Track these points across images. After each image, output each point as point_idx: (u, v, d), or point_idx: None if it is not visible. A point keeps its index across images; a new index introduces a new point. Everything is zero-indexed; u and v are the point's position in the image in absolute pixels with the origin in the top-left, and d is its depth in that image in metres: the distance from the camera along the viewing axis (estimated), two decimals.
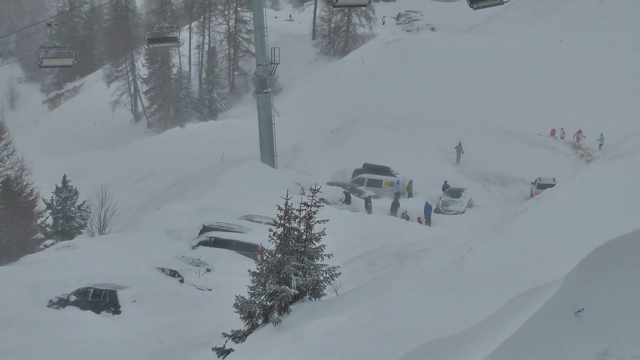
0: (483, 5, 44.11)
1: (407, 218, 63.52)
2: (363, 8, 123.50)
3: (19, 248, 56.29)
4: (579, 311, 16.27)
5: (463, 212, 65.84)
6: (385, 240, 52.73)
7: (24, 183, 60.87)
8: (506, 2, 42.09)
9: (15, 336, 38.36)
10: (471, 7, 42.72)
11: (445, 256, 25.55)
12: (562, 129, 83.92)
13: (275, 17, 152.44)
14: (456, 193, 67.75)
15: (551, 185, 63.55)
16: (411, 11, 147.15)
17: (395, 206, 65.12)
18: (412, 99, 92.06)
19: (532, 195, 68.03)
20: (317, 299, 28.59)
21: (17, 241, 57.40)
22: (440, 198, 67.89)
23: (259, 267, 29.04)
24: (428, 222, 63.11)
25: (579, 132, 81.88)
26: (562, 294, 16.89)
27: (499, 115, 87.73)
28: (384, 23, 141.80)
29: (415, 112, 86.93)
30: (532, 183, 70.29)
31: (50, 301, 43.14)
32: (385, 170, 71.13)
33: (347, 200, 64.81)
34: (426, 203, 64.81)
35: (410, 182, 70.13)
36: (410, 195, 69.49)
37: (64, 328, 39.91)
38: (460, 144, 75.15)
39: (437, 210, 65.78)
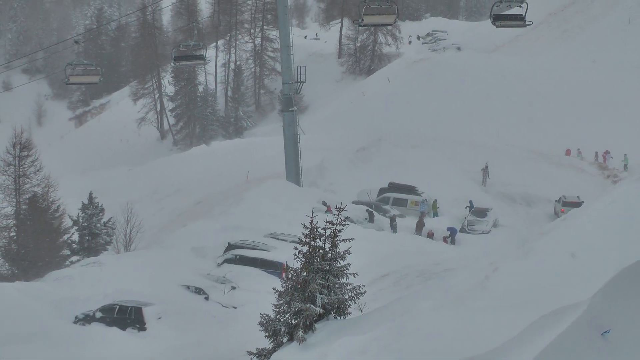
0: (507, 24, 44.33)
1: (432, 236, 63.40)
2: (389, 27, 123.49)
3: (45, 264, 56.51)
4: (606, 332, 16.23)
5: (488, 232, 65.61)
6: (410, 259, 52.71)
7: (51, 199, 61.15)
8: (529, 24, 42.28)
9: (41, 351, 38.50)
10: (494, 24, 42.98)
11: (470, 276, 25.52)
12: (578, 149, 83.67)
13: (305, 37, 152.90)
14: (481, 213, 67.54)
15: (576, 203, 63.82)
16: (437, 30, 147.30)
17: (420, 225, 65.02)
18: (437, 118, 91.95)
19: (556, 213, 68.02)
20: (342, 317, 28.58)
21: (43, 257, 57.64)
22: (465, 218, 67.71)
23: (284, 285, 29.09)
24: (453, 241, 62.95)
25: (606, 152, 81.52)
26: (588, 314, 16.85)
27: (525, 135, 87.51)
28: (410, 42, 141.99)
29: (440, 132, 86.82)
30: (556, 201, 70.04)
31: (76, 317, 43.31)
32: (411, 190, 71.03)
33: (371, 219, 64.79)
34: (450, 227, 64.67)
35: (435, 201, 70.02)
36: (435, 214, 69.37)
37: (89, 344, 40.02)
38: (486, 167, 74.87)
39: (462, 230, 65.59)
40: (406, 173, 73.20)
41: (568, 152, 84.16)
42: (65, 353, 38.94)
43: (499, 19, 43.24)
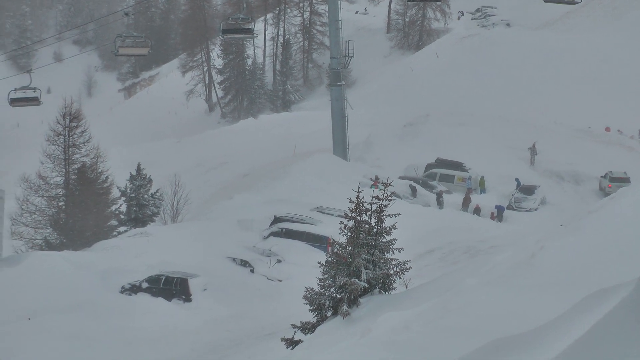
0: (556, 1, 43.77)
1: (479, 210, 63.19)
2: (438, 3, 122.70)
3: (92, 234, 56.98)
4: None
5: (536, 210, 65.32)
6: (456, 235, 52.57)
7: (99, 170, 61.49)
8: (578, 2, 41.82)
9: (87, 321, 38.93)
10: (544, 0, 42.53)
11: (516, 253, 25.38)
12: (618, 129, 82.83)
13: (356, 12, 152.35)
14: (529, 190, 67.21)
15: (624, 179, 63.69)
16: (487, 6, 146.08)
17: (467, 202, 64.88)
18: (485, 95, 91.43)
19: (602, 189, 67.66)
20: (386, 292, 28.58)
21: (91, 227, 58.10)
22: (513, 195, 67.42)
23: (329, 259, 29.13)
24: (500, 218, 62.74)
25: None
26: (635, 295, 16.72)
27: (573, 113, 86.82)
28: (459, 18, 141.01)
29: (488, 109, 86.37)
30: (602, 177, 69.59)
31: (122, 287, 43.72)
32: (458, 166, 70.84)
33: (414, 194, 64.68)
34: (497, 205, 64.48)
35: (483, 178, 69.78)
36: (482, 191, 69.15)
37: (134, 314, 40.41)
38: (534, 146, 74.33)
39: (509, 207, 65.35)
40: (453, 149, 73.00)
41: (608, 130, 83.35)
42: (112, 322, 39.35)
43: None
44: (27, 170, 61.59)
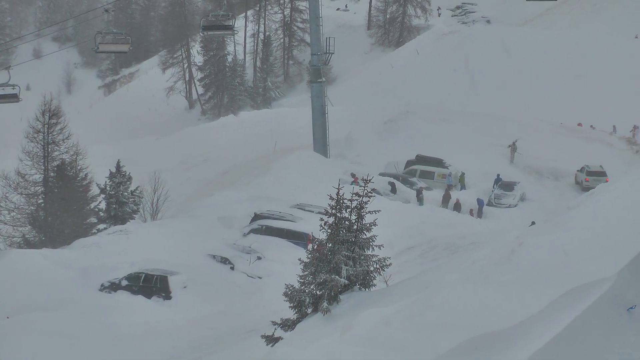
0: None
1: (459, 205, 63.29)
2: None
3: (72, 232, 56.75)
4: (631, 308, 16.15)
5: (515, 206, 65.50)
6: (436, 232, 52.71)
7: (79, 167, 61.29)
8: None
9: (67, 319, 38.75)
10: None
11: (496, 249, 25.43)
12: (591, 125, 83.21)
13: (337, 9, 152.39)
14: (509, 186, 67.40)
15: (600, 172, 64.36)
16: (467, 3, 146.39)
17: (447, 198, 64.98)
18: (466, 91, 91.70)
19: (578, 183, 68.22)
20: (367, 289, 28.59)
21: (71, 225, 57.87)
22: (492, 191, 67.58)
23: (309, 256, 29.11)
24: (479, 215, 62.89)
25: (635, 127, 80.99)
26: (613, 290, 16.77)
27: (554, 109, 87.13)
28: (439, 15, 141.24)
29: (469, 105, 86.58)
30: (578, 171, 70.04)
31: (102, 285, 43.53)
32: (438, 162, 70.92)
33: (393, 190, 64.71)
34: (478, 199, 64.68)
35: (463, 174, 69.88)
36: (462, 187, 69.25)
37: (114, 312, 40.26)
38: (514, 143, 74.35)
39: (489, 204, 65.51)
40: (434, 146, 73.09)
41: (580, 125, 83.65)
42: (91, 320, 39.20)
43: None
44: (6, 167, 61.35)
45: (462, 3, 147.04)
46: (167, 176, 68.06)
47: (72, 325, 38.33)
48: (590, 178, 67.17)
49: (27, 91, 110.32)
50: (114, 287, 43.36)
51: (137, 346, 36.82)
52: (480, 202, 63.80)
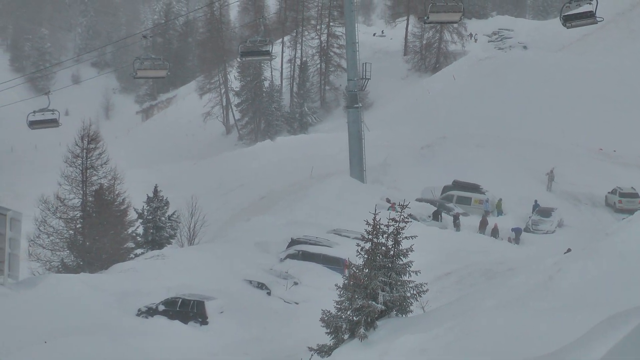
0: (577, 24, 43.90)
1: (497, 230, 63.04)
2: (455, 25, 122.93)
3: (109, 256, 56.98)
4: None
5: (553, 232, 65.13)
6: (473, 258, 52.50)
7: (117, 192, 61.53)
8: (600, 21, 41.85)
9: (104, 343, 38.81)
10: (564, 25, 42.62)
11: (533, 276, 25.32)
12: (614, 150, 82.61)
13: (374, 35, 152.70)
14: (546, 212, 67.05)
15: (633, 194, 64.28)
16: (504, 29, 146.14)
17: (484, 224, 64.75)
18: (502, 117, 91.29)
19: (610, 204, 68.02)
20: (403, 315, 28.53)
21: (108, 249, 58.10)
22: (530, 217, 67.25)
23: (346, 281, 29.10)
24: (517, 241, 62.58)
25: None
26: None
27: (591, 135, 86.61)
28: (475, 40, 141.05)
29: (505, 131, 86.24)
30: (609, 192, 69.71)
31: (138, 310, 43.65)
32: (475, 188, 70.71)
33: (437, 217, 64.67)
34: (514, 228, 64.32)
35: (500, 200, 69.60)
36: (499, 213, 68.97)
37: (151, 337, 40.26)
38: (551, 171, 73.96)
39: (526, 230, 65.17)
40: (470, 171, 72.86)
41: (600, 151, 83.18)
42: (128, 345, 39.24)
43: (569, 20, 42.84)
44: (45, 192, 61.74)
45: (499, 29, 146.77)
46: (204, 201, 68.28)
47: (109, 350, 38.39)
48: (623, 200, 67.19)
49: (66, 116, 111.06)
50: (150, 312, 43.45)
51: None
52: (517, 230, 63.49)
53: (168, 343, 39.82)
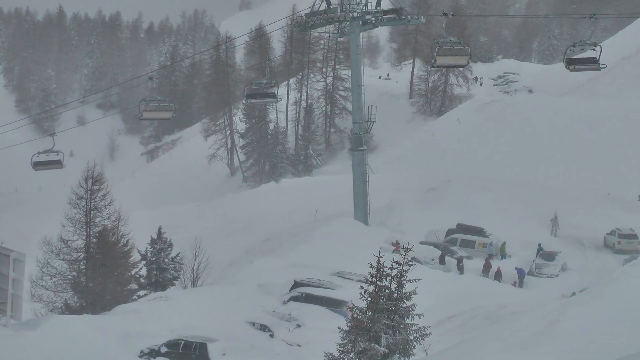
0: (580, 68, 44.25)
1: (500, 274, 62.85)
2: (461, 69, 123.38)
3: (112, 298, 56.80)
4: None
5: (557, 276, 64.90)
6: (477, 301, 52.34)
7: (120, 233, 61.42)
8: (603, 68, 42.09)
9: None
10: (567, 68, 42.95)
11: (537, 319, 25.22)
12: (607, 192, 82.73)
13: (379, 77, 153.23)
14: (550, 256, 66.88)
15: (632, 235, 64.41)
16: (509, 72, 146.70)
17: (487, 267, 64.60)
18: (507, 160, 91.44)
19: (607, 246, 68.15)
20: (406, 358, 28.42)
21: (112, 291, 57.88)
22: (533, 261, 67.06)
23: (349, 324, 29.02)
24: (520, 284, 62.39)
25: None
26: None
27: (596, 179, 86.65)
28: (481, 84, 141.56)
29: (511, 174, 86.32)
30: (608, 234, 69.61)
31: (141, 352, 43.52)
32: (479, 231, 70.62)
33: (442, 261, 64.58)
34: (518, 268, 64.11)
35: (504, 243, 69.44)
36: (503, 257, 68.79)
37: None
38: (555, 217, 73.71)
39: (530, 273, 64.96)
40: (475, 215, 72.78)
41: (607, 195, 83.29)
42: None
43: (572, 63, 43.18)
44: (49, 233, 61.73)
45: (504, 72, 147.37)
46: (207, 242, 68.09)
47: None
48: (622, 241, 67.46)
49: (71, 157, 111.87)
50: (153, 353, 43.32)
51: None
52: (521, 272, 63.32)
53: None
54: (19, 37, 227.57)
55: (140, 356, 43.45)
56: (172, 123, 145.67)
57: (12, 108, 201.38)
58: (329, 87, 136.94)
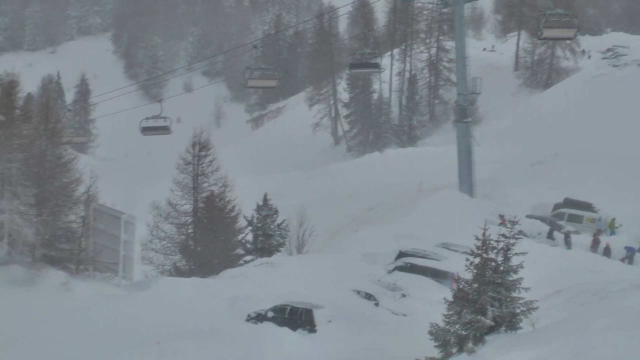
0: None
1: (609, 249, 61.99)
2: (568, 41, 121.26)
3: (220, 262, 57.69)
4: None
5: None
6: (585, 277, 51.77)
7: (227, 199, 62.23)
8: None
9: (215, 347, 39.48)
10: None
11: None
12: None
13: (484, 49, 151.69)
14: None
15: None
16: (618, 46, 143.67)
17: (596, 243, 63.85)
18: (616, 135, 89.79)
19: None
20: (513, 331, 28.48)
21: (219, 255, 58.81)
22: None
23: (454, 295, 29.18)
24: (630, 261, 61.50)
25: None
26: None
27: None
28: (589, 57, 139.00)
29: (619, 149, 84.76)
30: None
31: (248, 315, 44.23)
32: (587, 206, 69.79)
33: (550, 235, 64.09)
34: (627, 246, 63.11)
35: (613, 219, 68.49)
36: (612, 232, 67.91)
37: (261, 343, 40.75)
38: None
39: None
40: (583, 190, 71.87)
41: None
42: (237, 350, 39.78)
43: None
44: (158, 197, 62.94)
45: (613, 46, 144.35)
46: (312, 210, 68.66)
47: (219, 354, 39.01)
48: None
49: (178, 124, 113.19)
50: (260, 318, 43.98)
51: None
52: (631, 249, 62.38)
53: (277, 349, 40.26)
54: (127, 4, 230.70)
55: (247, 320, 44.18)
56: (276, 91, 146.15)
57: (121, 74, 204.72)
58: (432, 59, 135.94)
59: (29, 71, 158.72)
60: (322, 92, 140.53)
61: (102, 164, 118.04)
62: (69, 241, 51.22)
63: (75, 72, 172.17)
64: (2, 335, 39.48)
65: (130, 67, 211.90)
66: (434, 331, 29.21)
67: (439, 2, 79.63)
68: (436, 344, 29.23)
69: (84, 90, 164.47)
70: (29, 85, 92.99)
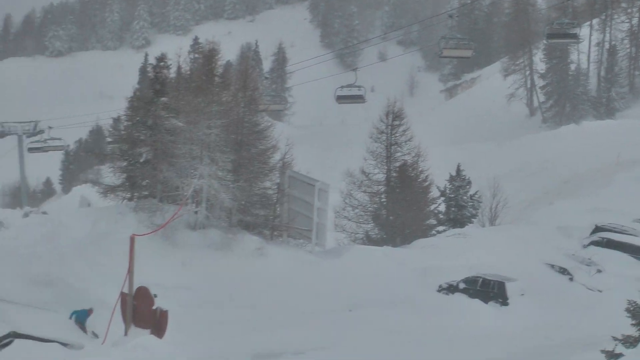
0: None
1: None
2: None
3: (412, 232, 57.81)
4: None
5: None
6: None
7: (420, 169, 62.17)
8: None
9: (407, 316, 39.71)
10: None
11: None
12: None
13: None
14: None
15: None
16: None
17: None
18: None
19: None
20: None
21: (411, 225, 58.87)
22: None
23: None
24: None
25: None
26: None
27: None
28: None
29: None
30: None
31: (439, 286, 44.29)
32: None
33: None
34: None
35: None
36: None
37: (452, 314, 40.74)
38: None
39: None
40: None
41: None
42: (428, 320, 39.92)
43: None
44: (352, 165, 63.51)
45: None
46: (505, 182, 67.95)
47: (410, 324, 39.21)
48: None
49: (372, 93, 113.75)
50: (451, 289, 43.97)
51: (472, 349, 36.97)
52: None
53: (468, 321, 40.16)
54: None
55: (438, 290, 44.28)
56: (471, 61, 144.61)
57: (317, 43, 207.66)
58: (634, 29, 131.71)
59: (228, 39, 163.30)
60: (517, 62, 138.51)
61: (297, 132, 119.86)
62: (264, 207, 52.45)
63: (273, 41, 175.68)
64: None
65: (327, 36, 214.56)
66: (632, 309, 28.44)
67: None
68: (633, 321, 28.48)
69: (281, 59, 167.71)
70: (228, 53, 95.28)
